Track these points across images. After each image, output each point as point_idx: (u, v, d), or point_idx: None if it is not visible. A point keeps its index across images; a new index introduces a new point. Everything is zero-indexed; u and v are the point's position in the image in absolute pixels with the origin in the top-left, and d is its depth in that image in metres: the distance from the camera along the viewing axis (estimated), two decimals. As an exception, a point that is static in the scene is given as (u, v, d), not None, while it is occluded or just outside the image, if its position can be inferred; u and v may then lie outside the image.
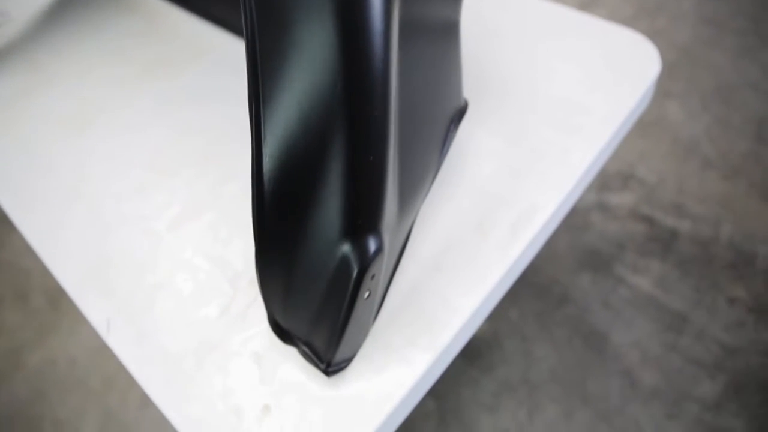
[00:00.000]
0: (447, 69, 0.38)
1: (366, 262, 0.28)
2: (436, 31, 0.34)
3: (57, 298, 1.13)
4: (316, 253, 0.29)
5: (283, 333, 0.33)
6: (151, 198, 0.47)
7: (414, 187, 0.35)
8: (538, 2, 0.59)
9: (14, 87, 0.61)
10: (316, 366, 0.33)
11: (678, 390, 0.88)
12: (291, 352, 0.36)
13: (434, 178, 0.38)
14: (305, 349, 0.33)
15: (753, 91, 1.36)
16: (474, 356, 0.94)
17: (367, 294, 0.30)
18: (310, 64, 0.24)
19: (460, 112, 0.40)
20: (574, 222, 1.10)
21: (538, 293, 1.00)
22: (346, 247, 0.28)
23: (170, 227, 0.44)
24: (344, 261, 0.29)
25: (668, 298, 0.97)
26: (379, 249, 0.29)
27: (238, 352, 0.36)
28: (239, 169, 0.48)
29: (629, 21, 1.52)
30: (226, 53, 0.59)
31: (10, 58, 0.66)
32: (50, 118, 0.56)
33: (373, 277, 0.30)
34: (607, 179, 1.17)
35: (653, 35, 1.47)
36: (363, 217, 0.28)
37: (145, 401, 0.96)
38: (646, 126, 1.30)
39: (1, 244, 1.24)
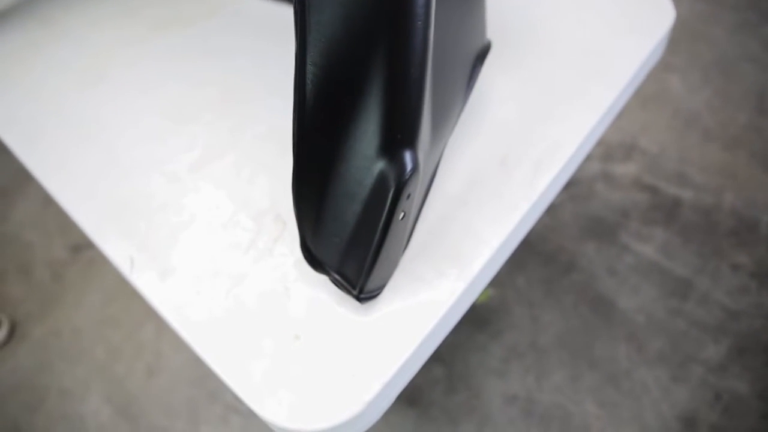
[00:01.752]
0: (474, 6, 0.37)
1: (403, 178, 0.28)
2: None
3: (60, 271, 1.12)
4: (354, 169, 0.29)
5: (314, 260, 0.33)
6: (169, 143, 0.46)
7: (444, 117, 0.34)
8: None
9: (26, 40, 0.60)
10: (348, 293, 0.33)
11: (683, 353, 0.89)
12: (320, 283, 0.36)
13: (460, 112, 0.38)
14: (337, 276, 0.33)
15: (752, 65, 1.37)
16: (482, 322, 0.94)
17: (402, 215, 0.30)
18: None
19: (484, 51, 0.40)
20: (579, 191, 1.10)
21: (544, 261, 1.00)
22: (383, 163, 0.28)
23: (190, 169, 0.44)
24: (382, 177, 0.28)
25: (672, 264, 0.98)
26: (416, 167, 0.29)
27: (266, 283, 0.36)
28: (259, 114, 0.47)
29: (630, -5, 1.51)
30: (240, 7, 0.58)
31: (21, 14, 0.65)
32: (63, 70, 0.56)
33: (408, 196, 0.30)
34: (611, 150, 1.17)
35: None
36: (402, 131, 0.28)
37: (152, 370, 0.96)
38: (647, 98, 1.31)
39: (3, 218, 1.23)
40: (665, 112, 1.25)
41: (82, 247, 1.14)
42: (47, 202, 1.21)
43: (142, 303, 0.40)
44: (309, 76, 0.27)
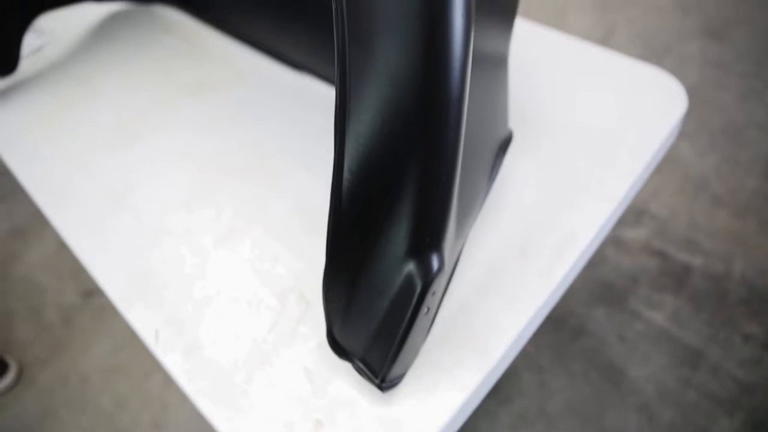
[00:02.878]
0: (498, 99, 0.39)
1: (429, 279, 0.29)
2: (491, 62, 0.36)
3: (70, 315, 1.13)
4: (383, 268, 0.30)
5: (339, 348, 0.34)
6: (197, 212, 0.48)
7: (468, 211, 0.36)
8: (567, 39, 0.62)
9: (60, 99, 0.63)
10: (371, 381, 0.34)
11: (696, 426, 0.87)
12: (342, 368, 0.36)
13: (483, 202, 0.40)
14: (360, 364, 0.34)
15: (759, 131, 1.39)
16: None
17: (426, 310, 0.31)
18: (395, 87, 0.26)
19: (507, 141, 0.42)
20: (589, 254, 1.11)
21: (554, 326, 1.00)
22: (411, 265, 0.29)
23: (217, 241, 0.45)
24: (409, 277, 0.30)
25: (682, 332, 0.98)
26: (441, 267, 0.30)
27: (289, 366, 0.37)
28: (285, 187, 0.49)
29: (639, 61, 1.56)
30: (267, 76, 0.61)
31: (56, 73, 0.68)
32: (95, 131, 0.58)
33: (433, 293, 0.31)
34: (621, 214, 1.18)
35: (662, 75, 1.51)
36: (430, 235, 0.29)
37: (158, 423, 0.95)
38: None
39: (17, 258, 1.25)
40: (675, 176, 1.27)
41: (93, 292, 1.15)
42: (62, 245, 1.22)
43: (149, 353, 0.40)
44: (345, 183, 0.28)
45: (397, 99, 0.26)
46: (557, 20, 1.74)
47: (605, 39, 1.65)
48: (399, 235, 0.29)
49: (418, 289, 0.29)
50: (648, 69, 0.57)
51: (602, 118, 0.52)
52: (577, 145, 0.50)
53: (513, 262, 0.41)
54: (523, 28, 0.63)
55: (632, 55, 1.72)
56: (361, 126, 0.27)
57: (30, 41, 0.73)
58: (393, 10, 0.25)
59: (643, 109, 0.53)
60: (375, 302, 0.31)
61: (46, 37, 0.75)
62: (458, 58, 0.26)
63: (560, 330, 1.00)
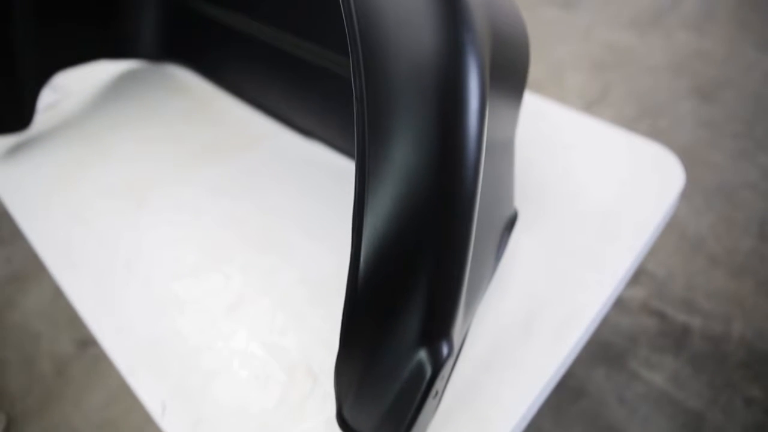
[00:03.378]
0: (505, 180, 0.41)
1: (439, 365, 0.30)
2: (500, 148, 0.38)
3: (64, 366, 1.11)
4: (395, 354, 0.31)
5: (348, 427, 0.34)
6: (205, 280, 0.48)
7: (476, 293, 0.37)
8: (568, 113, 0.64)
9: (72, 158, 0.65)
10: (378, 462, 0.34)
11: (698, 495, 0.86)
12: (348, 446, 0.36)
13: (489, 283, 0.40)
14: (368, 445, 0.34)
15: (753, 192, 1.42)
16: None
17: (435, 393, 0.32)
18: (411, 185, 0.27)
19: (512, 220, 0.43)
20: (588, 313, 1.11)
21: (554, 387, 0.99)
22: (422, 352, 0.30)
23: (225, 311, 0.46)
24: (419, 364, 0.30)
25: (683, 395, 0.97)
26: (450, 353, 0.31)
27: (295, 444, 0.37)
28: (293, 256, 0.50)
29: (634, 122, 1.60)
30: (277, 142, 0.63)
31: (69, 130, 0.70)
32: (105, 192, 0.59)
33: (442, 377, 0.31)
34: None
35: (657, 135, 1.56)
36: (440, 324, 0.30)
37: (147, 481, 0.92)
38: (652, 221, 1.35)
39: (13, 305, 1.24)
40: (672, 235, 1.28)
41: (88, 342, 1.14)
42: (60, 292, 1.22)
43: (143, 408, 0.40)
44: (361, 273, 0.29)
45: (412, 197, 0.28)
46: (554, 79, 1.80)
47: (601, 98, 1.70)
48: (410, 324, 0.30)
49: (428, 375, 0.30)
50: (646, 144, 0.59)
51: (604, 194, 0.53)
52: (580, 221, 0.51)
53: (517, 340, 0.42)
54: (526, 100, 0.66)
55: (629, 114, 1.77)
56: (378, 221, 0.29)
57: (45, 96, 0.75)
58: (411, 115, 0.27)
59: (642, 185, 0.54)
60: (386, 386, 0.31)
61: (60, 93, 0.77)
62: (471, 163, 0.28)
63: (560, 391, 0.99)
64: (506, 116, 0.39)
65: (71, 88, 0.77)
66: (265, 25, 0.62)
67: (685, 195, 1.42)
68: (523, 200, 0.52)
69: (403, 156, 0.27)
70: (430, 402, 0.32)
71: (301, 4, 0.58)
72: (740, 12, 2.21)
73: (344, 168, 0.58)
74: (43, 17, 0.65)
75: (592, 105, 1.67)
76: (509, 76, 0.38)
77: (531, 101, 0.66)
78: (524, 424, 0.40)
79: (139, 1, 0.72)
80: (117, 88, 0.76)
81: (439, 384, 0.32)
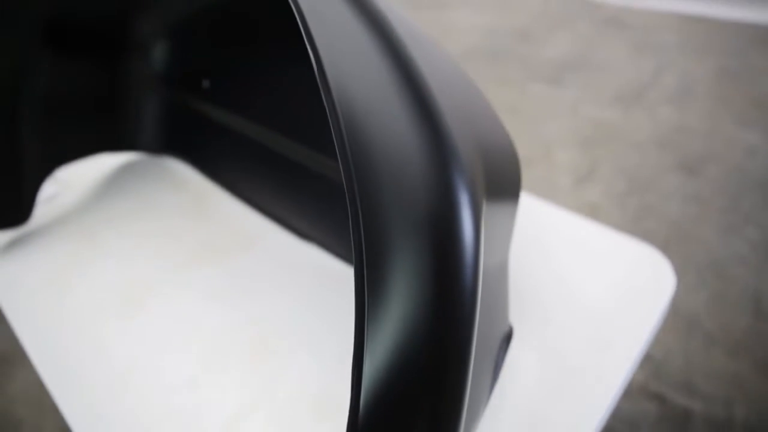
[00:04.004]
0: (500, 301, 0.41)
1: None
2: (496, 271, 0.39)
3: (45, 457, 1.06)
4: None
5: None
6: (203, 394, 0.48)
7: (473, 419, 0.36)
8: (558, 212, 0.66)
9: (67, 255, 0.65)
10: None
11: None
12: None
13: (487, 403, 0.40)
14: None
15: (744, 267, 1.44)
16: None
17: None
18: (408, 333, 0.28)
19: (508, 337, 0.43)
20: (587, 398, 1.09)
21: (555, 477, 0.96)
22: None
23: (223, 426, 0.45)
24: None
25: (689, 487, 0.94)
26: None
27: None
28: (289, 368, 0.49)
29: (623, 196, 1.64)
30: (273, 243, 0.63)
31: (66, 226, 0.70)
32: (100, 295, 0.59)
33: None
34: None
35: (645, 210, 1.59)
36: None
37: None
38: (647, 297, 1.35)
39: (-4, 393, 1.20)
40: (667, 314, 1.28)
41: (73, 430, 1.10)
42: (46, 376, 1.18)
43: None
44: (361, 416, 0.29)
45: (409, 344, 0.28)
46: (544, 155, 1.85)
47: (590, 174, 1.75)
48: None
49: None
50: (638, 246, 0.60)
51: (598, 300, 0.54)
52: (576, 330, 0.51)
53: (519, 463, 0.41)
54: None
55: (619, 189, 1.80)
56: (377, 366, 0.29)
57: (46, 188, 0.76)
58: (408, 267, 0.28)
59: (636, 289, 0.55)
60: None
61: (61, 185, 0.78)
62: (467, 309, 0.28)
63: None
64: (502, 239, 0.40)
65: (71, 180, 0.78)
66: (261, 126, 0.64)
67: (678, 271, 1.43)
68: (517, 310, 0.52)
69: (400, 302, 0.28)
70: None
71: (297, 108, 0.60)
72: (718, 88, 2.31)
73: (340, 273, 0.58)
74: (48, 115, 0.67)
75: (581, 181, 1.71)
76: (502, 199, 0.39)
77: (525, 200, 0.68)
78: None
79: (140, 98, 0.75)
80: (116, 180, 0.78)
81: None
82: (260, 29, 0.61)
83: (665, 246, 1.49)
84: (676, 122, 2.05)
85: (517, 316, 0.51)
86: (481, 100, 0.40)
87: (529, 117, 2.06)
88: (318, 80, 0.26)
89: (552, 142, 1.92)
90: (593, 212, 1.59)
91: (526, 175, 1.72)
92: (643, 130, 2.00)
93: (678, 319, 1.27)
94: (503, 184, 0.40)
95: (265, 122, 0.62)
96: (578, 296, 0.54)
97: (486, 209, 0.33)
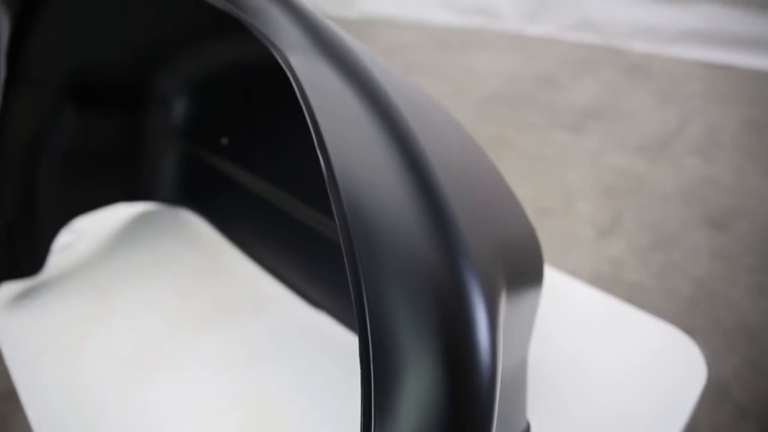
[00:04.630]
0: (517, 397, 0.39)
1: None
2: (514, 369, 0.36)
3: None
4: None
5: None
6: (197, 479, 0.45)
7: None
8: (581, 287, 0.63)
9: (77, 310, 0.64)
10: None
11: None
12: None
13: None
14: None
15: (776, 333, 1.38)
16: None
17: None
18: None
19: (526, 435, 0.40)
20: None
21: None
22: None
23: None
24: None
25: None
26: None
27: None
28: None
29: (647, 252, 1.59)
30: (284, 309, 0.62)
31: (78, 277, 0.69)
32: (107, 356, 0.57)
33: None
34: None
35: (670, 267, 1.54)
36: None
37: None
38: (672, 361, 1.29)
39: (1, 426, 1.19)
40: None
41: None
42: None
43: None
44: None
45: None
46: (565, 206, 1.82)
47: (612, 227, 1.71)
48: None
49: None
50: (665, 330, 0.57)
51: (621, 394, 0.50)
52: (599, 426, 0.48)
53: None
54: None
55: (642, 244, 1.75)
56: None
57: (62, 237, 0.76)
58: (417, 371, 0.25)
59: (663, 382, 0.52)
60: None
61: (76, 234, 0.78)
62: (482, 421, 0.26)
63: None
64: (522, 335, 0.38)
65: (87, 229, 0.78)
66: (278, 189, 0.63)
67: (704, 335, 1.37)
68: (534, 401, 0.49)
69: (409, 409, 0.26)
70: None
71: (316, 174, 0.59)
72: (745, 138, 2.27)
73: (351, 345, 0.56)
74: (68, 167, 0.67)
75: (603, 234, 1.67)
76: (523, 292, 0.37)
77: (547, 274, 0.65)
78: None
79: (159, 151, 0.75)
80: (131, 231, 0.77)
81: None
82: (282, 92, 0.61)
83: (691, 306, 1.43)
84: (702, 174, 2.01)
85: (535, 409, 0.48)
86: (497, 179, 0.38)
87: (550, 165, 2.04)
88: (324, 174, 0.25)
89: (573, 192, 1.89)
90: (616, 268, 1.54)
91: (546, 226, 1.69)
92: (668, 181, 1.96)
93: (706, 387, 1.21)
94: (524, 275, 0.37)
95: (282, 185, 0.62)
96: (599, 387, 0.51)
97: (505, 305, 0.31)
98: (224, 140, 0.68)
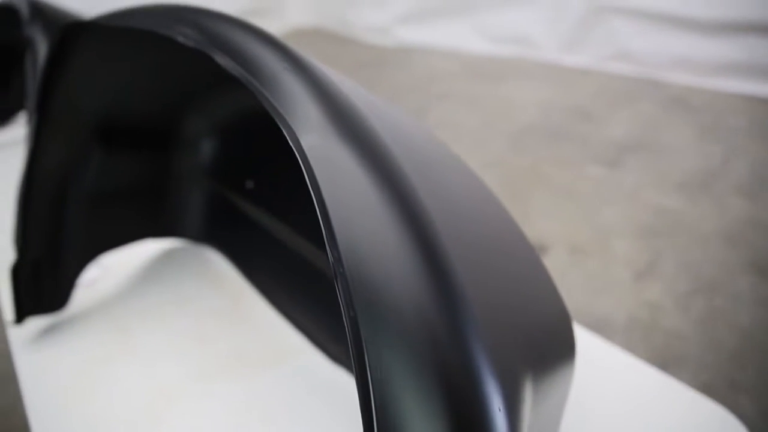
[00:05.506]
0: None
1: None
2: None
3: None
4: None
5: None
6: None
7: None
8: (616, 351, 0.59)
9: (97, 350, 0.63)
10: None
11: None
12: None
13: None
14: None
15: (830, 390, 1.28)
16: None
17: None
18: None
19: None
20: None
21: None
22: None
23: None
24: None
25: None
26: None
27: None
28: None
29: (685, 298, 1.52)
30: (304, 363, 0.60)
31: (100, 315, 0.69)
32: (124, 400, 0.56)
33: None
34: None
35: (712, 315, 1.46)
36: None
37: None
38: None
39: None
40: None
41: None
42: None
43: None
44: None
45: None
46: (600, 245, 1.76)
47: (650, 269, 1.64)
48: None
49: None
50: (711, 407, 0.53)
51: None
52: None
53: None
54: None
55: (680, 289, 1.68)
56: None
57: (88, 272, 0.76)
58: None
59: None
60: None
61: (102, 270, 0.78)
62: None
63: None
64: (551, 424, 0.35)
65: (112, 265, 0.78)
66: (303, 238, 0.62)
67: (751, 391, 1.28)
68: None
69: None
70: None
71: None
72: (793, 177, 2.17)
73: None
74: (94, 206, 0.68)
75: (640, 276, 1.61)
76: (551, 380, 0.34)
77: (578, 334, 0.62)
78: None
79: (185, 190, 0.75)
80: (155, 269, 0.77)
81: None
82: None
83: (735, 359, 1.35)
84: (746, 215, 1.92)
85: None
86: (522, 248, 0.36)
87: (586, 201, 1.99)
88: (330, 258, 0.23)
89: (610, 230, 1.83)
90: (653, 313, 1.47)
91: (579, 267, 1.63)
92: (710, 221, 1.88)
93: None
94: (553, 357, 0.34)
95: (306, 234, 0.60)
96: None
97: (530, 399, 0.28)
98: (249, 183, 0.67)
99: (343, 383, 0.57)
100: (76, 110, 0.60)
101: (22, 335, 0.66)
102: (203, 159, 0.71)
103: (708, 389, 0.59)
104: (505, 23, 3.82)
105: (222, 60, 0.29)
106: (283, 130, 0.26)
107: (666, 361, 1.30)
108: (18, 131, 1.15)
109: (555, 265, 1.59)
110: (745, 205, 1.97)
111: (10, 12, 0.90)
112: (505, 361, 0.26)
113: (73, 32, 0.47)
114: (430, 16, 4.21)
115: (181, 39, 0.31)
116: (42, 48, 0.77)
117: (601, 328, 1.39)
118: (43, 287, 0.65)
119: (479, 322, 0.25)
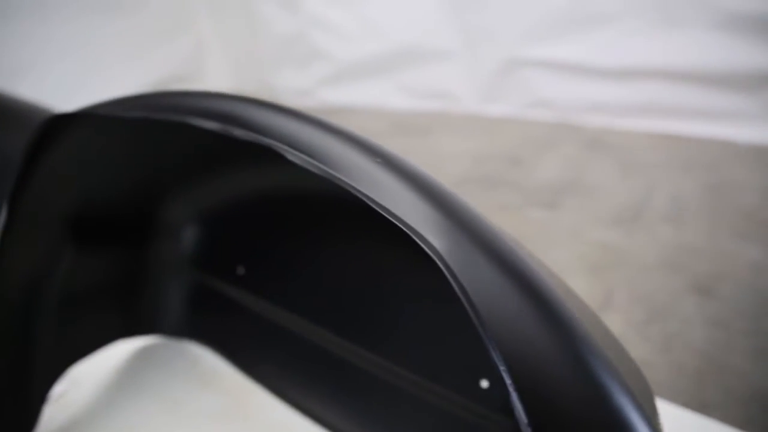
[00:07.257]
0: None
1: None
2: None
3: None
4: None
5: None
6: None
7: None
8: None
9: (103, 401, 0.58)
10: None
11: None
12: None
13: None
14: None
15: (787, 397, 1.35)
16: None
17: None
18: None
19: None
20: None
21: None
22: None
23: None
24: None
25: None
26: None
27: None
28: None
29: (645, 325, 1.58)
30: None
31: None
32: None
33: None
34: None
35: (670, 340, 1.53)
36: None
37: None
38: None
39: None
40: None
41: None
42: None
43: None
44: None
45: None
46: (555, 284, 1.81)
47: (606, 303, 1.71)
48: None
49: None
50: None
51: None
52: None
53: None
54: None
55: (639, 318, 1.73)
56: None
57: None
58: None
59: None
60: None
61: (69, 382, 0.70)
62: None
63: None
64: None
65: (79, 376, 0.70)
66: (306, 320, 0.58)
67: (720, 408, 1.34)
68: None
69: None
70: None
71: (349, 302, 0.55)
72: (709, 203, 2.36)
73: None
74: (64, 309, 0.61)
75: (600, 311, 1.65)
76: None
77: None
78: None
79: (165, 281, 0.70)
80: (132, 373, 0.70)
81: None
82: (306, 216, 0.58)
83: (700, 379, 1.41)
84: (677, 241, 2.05)
85: None
86: (605, 326, 0.36)
87: (533, 244, 2.03)
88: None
89: (562, 270, 1.85)
90: (618, 345, 1.51)
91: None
92: (649, 251, 1.99)
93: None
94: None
95: (310, 316, 0.57)
96: None
97: None
98: (240, 270, 0.63)
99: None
100: (48, 206, 0.55)
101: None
102: (185, 247, 0.66)
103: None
104: (426, 80, 3.99)
105: (302, 162, 0.27)
106: (415, 238, 0.24)
107: (638, 392, 1.32)
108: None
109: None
110: (674, 232, 2.12)
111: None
112: None
113: (60, 123, 0.44)
114: (352, 76, 4.33)
115: (240, 134, 0.29)
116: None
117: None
118: (9, 412, 0.57)
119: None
